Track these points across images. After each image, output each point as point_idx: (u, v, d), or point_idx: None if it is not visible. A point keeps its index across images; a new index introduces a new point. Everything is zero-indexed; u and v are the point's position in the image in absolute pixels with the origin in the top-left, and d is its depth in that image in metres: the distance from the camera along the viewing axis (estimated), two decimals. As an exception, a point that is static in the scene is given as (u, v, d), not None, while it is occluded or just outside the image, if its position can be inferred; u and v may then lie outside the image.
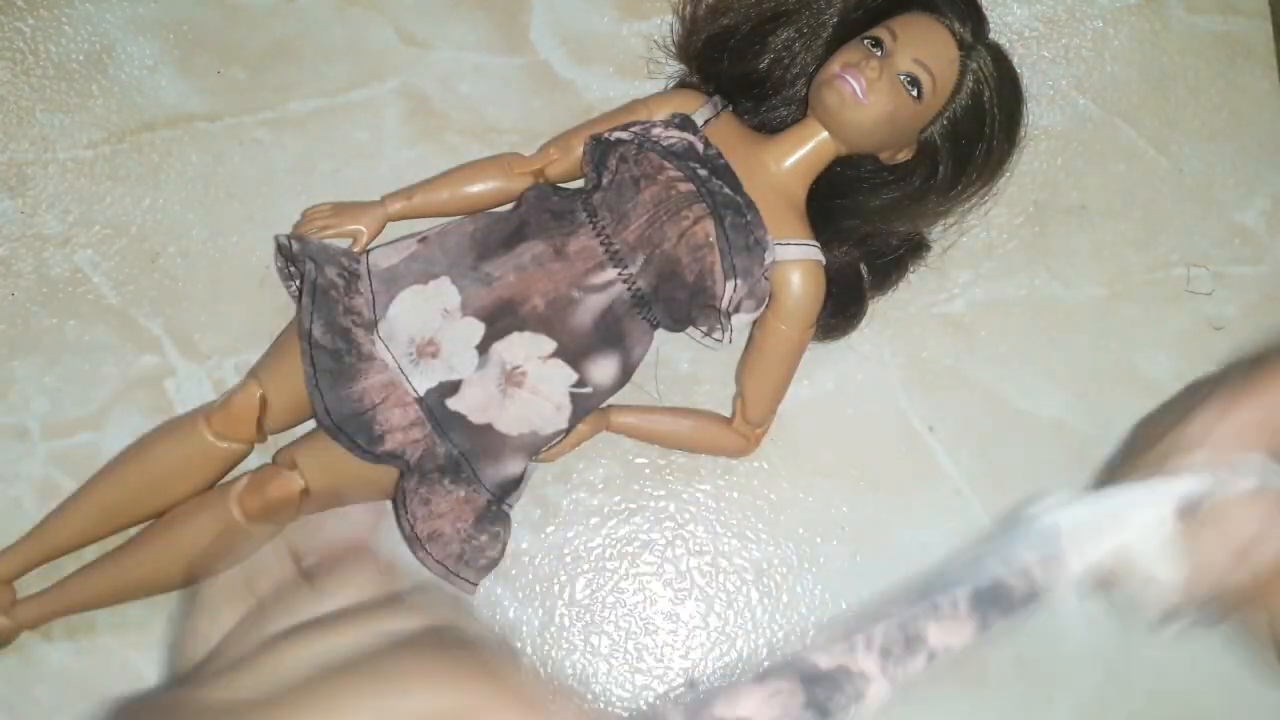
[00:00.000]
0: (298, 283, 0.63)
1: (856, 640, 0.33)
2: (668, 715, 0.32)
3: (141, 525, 0.63)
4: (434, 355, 0.59)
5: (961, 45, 0.60)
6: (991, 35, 0.63)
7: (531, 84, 0.70)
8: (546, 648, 0.67)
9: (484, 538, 0.60)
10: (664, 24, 0.69)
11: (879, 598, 0.34)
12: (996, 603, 0.33)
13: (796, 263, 0.61)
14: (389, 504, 0.61)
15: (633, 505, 0.68)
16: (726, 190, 0.59)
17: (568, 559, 0.67)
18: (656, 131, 0.61)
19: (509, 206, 0.65)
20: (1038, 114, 0.69)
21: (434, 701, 0.26)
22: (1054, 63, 0.72)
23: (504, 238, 0.61)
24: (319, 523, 0.35)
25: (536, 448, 0.61)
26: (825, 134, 0.61)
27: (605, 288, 0.59)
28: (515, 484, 0.60)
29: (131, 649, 0.65)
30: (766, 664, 0.33)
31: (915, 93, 0.59)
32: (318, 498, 0.61)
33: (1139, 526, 0.35)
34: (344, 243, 0.64)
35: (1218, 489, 0.36)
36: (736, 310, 0.61)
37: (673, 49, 0.67)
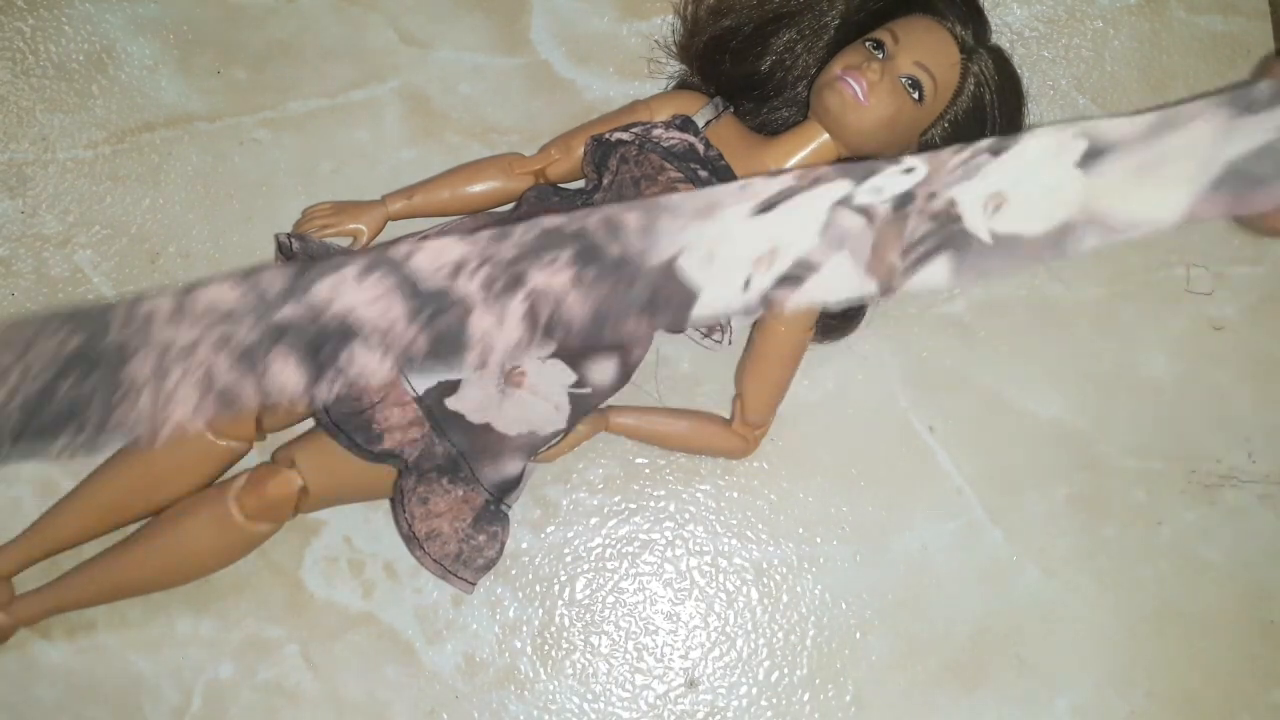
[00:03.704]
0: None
1: (463, 267, 0.33)
2: (270, 284, 0.32)
3: (140, 522, 0.63)
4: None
5: (963, 48, 0.60)
6: (992, 37, 0.63)
7: (531, 84, 0.70)
8: (546, 648, 0.67)
9: (482, 538, 0.61)
10: (664, 24, 0.69)
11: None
12: (591, 260, 0.32)
13: (796, 263, 0.61)
14: (388, 503, 0.61)
15: (633, 505, 0.68)
16: (726, 190, 0.59)
17: (568, 559, 0.67)
18: (657, 132, 0.61)
19: (509, 206, 0.65)
20: (1038, 114, 0.68)
21: None
22: (1054, 63, 0.72)
23: (504, 238, 0.61)
24: None
25: (535, 448, 0.61)
26: (826, 136, 0.61)
27: (605, 288, 0.59)
28: (514, 484, 0.60)
29: (131, 649, 0.65)
30: (365, 259, 0.32)
31: (916, 95, 0.59)
32: (316, 496, 0.61)
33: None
34: (345, 242, 0.64)
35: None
36: (736, 310, 0.60)
37: (673, 49, 0.67)
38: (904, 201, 0.33)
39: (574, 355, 0.60)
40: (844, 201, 0.32)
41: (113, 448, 0.33)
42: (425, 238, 0.33)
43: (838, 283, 0.33)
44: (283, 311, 0.32)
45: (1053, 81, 0.72)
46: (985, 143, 0.32)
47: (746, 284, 0.33)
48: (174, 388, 0.32)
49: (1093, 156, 0.33)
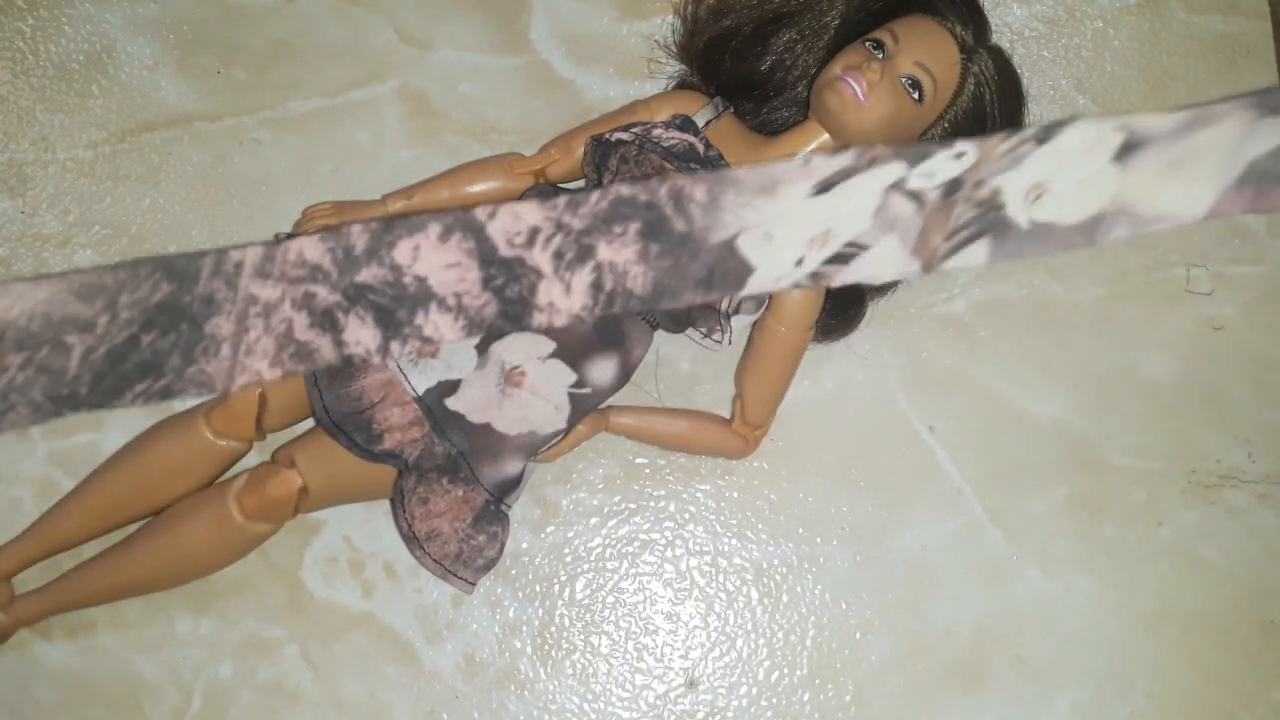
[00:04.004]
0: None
1: (537, 235, 0.34)
2: (356, 241, 0.33)
3: (140, 522, 0.63)
4: (433, 355, 0.59)
5: (963, 48, 0.60)
6: (992, 37, 0.63)
7: (531, 84, 0.70)
8: (546, 648, 0.67)
9: (482, 537, 0.61)
10: (664, 24, 0.69)
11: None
12: (657, 235, 0.34)
13: (796, 263, 0.61)
14: (388, 503, 0.61)
15: (633, 505, 0.68)
16: (726, 190, 0.59)
17: (568, 559, 0.67)
18: (657, 132, 0.61)
19: (509, 206, 0.65)
20: (1038, 114, 0.69)
21: None
22: (1054, 63, 0.72)
23: (504, 238, 0.61)
24: None
25: (535, 448, 0.61)
26: (826, 136, 0.61)
27: (605, 288, 0.59)
28: (514, 484, 0.60)
29: (131, 649, 0.65)
30: (445, 219, 0.33)
31: (916, 95, 0.59)
32: (316, 496, 0.61)
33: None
34: (344, 243, 0.64)
35: None
36: (736, 312, 0.61)
37: (673, 49, 0.67)
38: (953, 189, 0.34)
39: (574, 355, 0.60)
40: (897, 185, 0.34)
41: (187, 398, 0.34)
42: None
43: (884, 262, 0.35)
44: (365, 272, 0.33)
45: (1053, 81, 0.72)
46: (1031, 130, 0.34)
47: (799, 262, 0.34)
48: (255, 341, 0.33)
49: (1128, 150, 0.34)
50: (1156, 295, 0.70)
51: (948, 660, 0.67)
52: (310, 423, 0.63)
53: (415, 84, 0.70)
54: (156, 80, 0.70)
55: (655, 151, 0.60)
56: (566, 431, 0.61)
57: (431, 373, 0.59)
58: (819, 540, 0.68)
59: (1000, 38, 0.65)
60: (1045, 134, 0.33)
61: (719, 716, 0.67)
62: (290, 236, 0.63)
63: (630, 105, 0.65)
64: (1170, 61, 0.73)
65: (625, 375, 0.62)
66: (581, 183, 0.65)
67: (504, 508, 0.61)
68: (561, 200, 0.33)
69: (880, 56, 0.59)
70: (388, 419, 0.59)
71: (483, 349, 0.59)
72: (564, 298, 0.33)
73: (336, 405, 0.59)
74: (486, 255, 0.33)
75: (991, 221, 0.34)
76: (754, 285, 0.34)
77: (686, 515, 0.68)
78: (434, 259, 0.33)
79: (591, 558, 0.67)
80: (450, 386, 0.59)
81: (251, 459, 0.64)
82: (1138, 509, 0.69)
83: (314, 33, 0.70)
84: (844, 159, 0.33)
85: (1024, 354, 0.70)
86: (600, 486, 0.68)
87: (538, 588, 0.67)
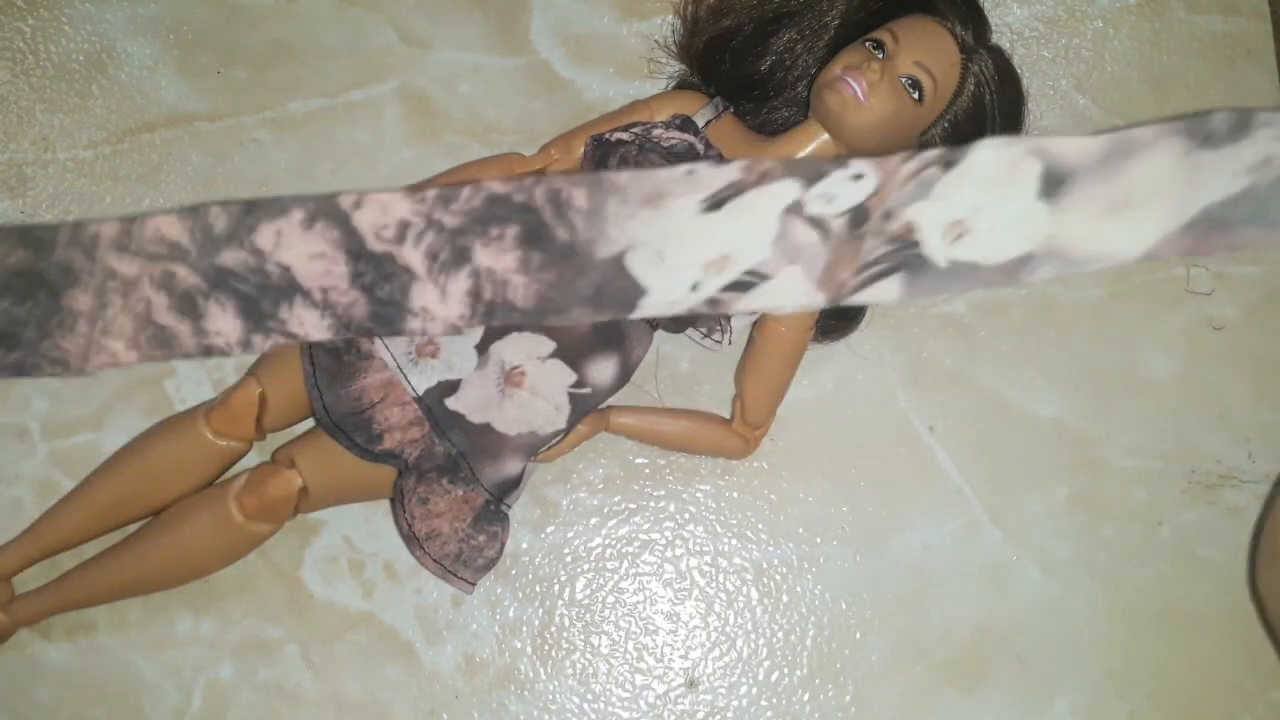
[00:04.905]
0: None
1: (407, 231, 0.32)
2: (215, 221, 0.32)
3: (140, 522, 0.63)
4: (433, 354, 0.59)
5: (963, 48, 0.60)
6: (993, 37, 0.63)
7: (531, 84, 0.70)
8: (546, 648, 0.67)
9: (482, 538, 0.61)
10: (664, 24, 0.69)
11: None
12: (537, 243, 0.32)
13: (796, 263, 0.61)
14: (388, 503, 0.61)
15: (633, 505, 0.68)
16: (726, 190, 0.59)
17: (568, 559, 0.67)
18: (657, 132, 0.61)
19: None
20: (1037, 114, 0.68)
21: None
22: (1054, 63, 0.72)
23: (504, 238, 0.61)
24: None
25: (535, 448, 0.61)
26: (826, 136, 0.61)
27: (605, 288, 0.59)
28: (514, 484, 0.61)
29: (131, 649, 0.65)
30: (308, 205, 0.31)
31: (916, 95, 0.59)
32: (316, 496, 0.61)
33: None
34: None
35: None
36: (736, 310, 0.60)
37: (673, 49, 0.67)
38: (859, 219, 0.32)
39: (574, 355, 0.60)
40: (795, 209, 0.32)
41: (42, 374, 0.33)
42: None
43: (786, 293, 0.33)
44: (225, 254, 0.31)
45: (1053, 81, 0.72)
46: (934, 154, 0.32)
47: (695, 286, 0.33)
48: (112, 319, 0.32)
49: (1054, 185, 0.32)
50: (1156, 295, 0.70)
51: (948, 660, 0.67)
52: (310, 423, 0.63)
53: (415, 84, 0.70)
54: (156, 80, 0.70)
55: (655, 151, 0.60)
56: (566, 431, 0.61)
57: (431, 373, 0.59)
58: (819, 540, 0.68)
59: (1000, 38, 0.65)
60: (951, 157, 0.31)
61: (719, 716, 0.67)
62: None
63: (630, 105, 0.65)
64: (1170, 61, 0.73)
65: (625, 375, 0.62)
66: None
67: (504, 508, 0.61)
68: (431, 193, 0.32)
69: (880, 56, 0.59)
70: (388, 419, 0.59)
71: (483, 349, 0.59)
72: (439, 304, 0.32)
73: (336, 405, 0.59)
74: (354, 248, 0.31)
75: (906, 258, 0.32)
76: (646, 308, 0.32)
77: (686, 515, 0.68)
78: (298, 247, 0.31)
79: (591, 558, 0.67)
80: (450, 386, 0.59)
81: (251, 459, 0.64)
82: (1138, 509, 0.69)
83: (314, 33, 0.70)
84: (731, 171, 0.31)
85: (1024, 354, 0.70)
86: (600, 486, 0.68)
87: (538, 588, 0.67)
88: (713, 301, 0.33)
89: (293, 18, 0.70)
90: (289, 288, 0.32)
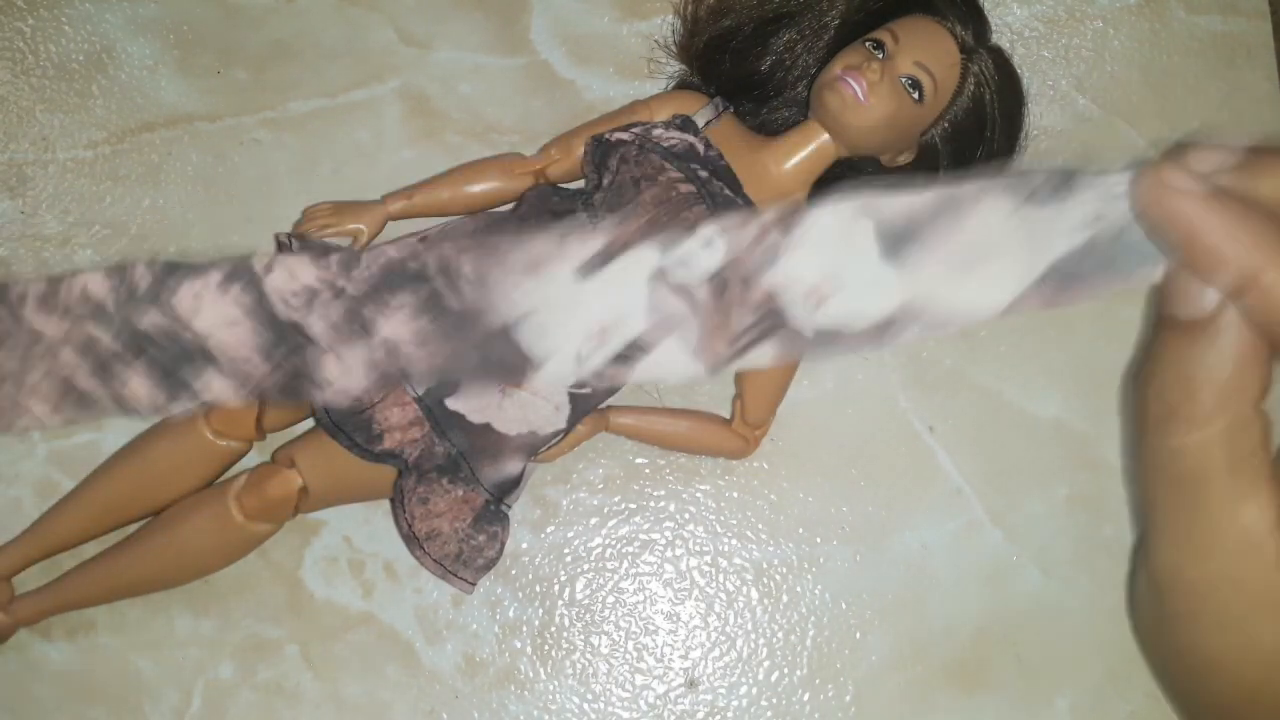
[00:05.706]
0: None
1: (315, 299, 0.33)
2: (139, 280, 0.33)
3: (140, 522, 0.63)
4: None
5: (963, 48, 0.60)
6: (993, 37, 0.63)
7: (531, 84, 0.70)
8: (546, 648, 0.67)
9: (482, 538, 0.61)
10: (664, 24, 0.69)
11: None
12: (432, 312, 0.33)
13: (796, 263, 0.61)
14: (388, 503, 0.61)
15: (633, 505, 0.68)
16: (727, 192, 0.59)
17: (568, 559, 0.67)
18: (657, 132, 0.61)
19: (509, 206, 0.65)
20: (1038, 114, 0.68)
21: None
22: (1054, 63, 0.72)
23: (504, 238, 0.61)
24: None
25: (535, 448, 0.61)
26: (826, 136, 0.61)
27: (605, 288, 0.59)
28: (514, 484, 0.61)
29: (131, 649, 0.65)
30: (224, 267, 0.32)
31: (916, 95, 0.59)
32: (316, 496, 0.61)
33: None
34: (344, 241, 0.64)
35: None
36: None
37: (673, 49, 0.67)
38: (720, 288, 0.33)
39: (574, 355, 0.60)
40: (660, 277, 0.33)
41: None
42: (281, 254, 0.34)
43: (668, 366, 0.34)
44: (146, 318, 0.33)
45: (1053, 81, 0.72)
46: (771, 216, 0.33)
47: (580, 359, 0.33)
48: (35, 384, 0.33)
49: (894, 245, 0.33)
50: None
51: (948, 660, 0.67)
52: (310, 423, 0.63)
53: (415, 84, 0.70)
54: (156, 80, 0.70)
55: (655, 151, 0.60)
56: (566, 431, 0.61)
57: (431, 373, 0.59)
58: (819, 540, 0.68)
59: (1000, 38, 0.65)
60: (785, 220, 0.32)
61: (719, 716, 0.67)
62: (291, 237, 0.63)
63: (630, 105, 0.65)
64: (1170, 61, 0.73)
65: (625, 375, 0.62)
66: (582, 183, 0.65)
67: (504, 508, 0.61)
68: (334, 259, 0.32)
69: (880, 56, 0.59)
70: (388, 419, 0.59)
71: (483, 349, 0.59)
72: (343, 376, 0.33)
73: (336, 405, 0.59)
74: (265, 318, 0.33)
75: (774, 326, 0.33)
76: (538, 381, 0.33)
77: (686, 515, 0.68)
78: (214, 312, 0.32)
79: (591, 558, 0.67)
80: (450, 386, 0.59)
81: (251, 459, 0.64)
82: (1138, 509, 0.69)
83: (314, 33, 0.70)
84: (597, 240, 0.32)
85: (1024, 354, 0.70)
86: (600, 486, 0.68)
87: (538, 588, 0.67)
88: (599, 375, 0.34)
89: (293, 18, 0.70)
90: (203, 359, 0.33)
